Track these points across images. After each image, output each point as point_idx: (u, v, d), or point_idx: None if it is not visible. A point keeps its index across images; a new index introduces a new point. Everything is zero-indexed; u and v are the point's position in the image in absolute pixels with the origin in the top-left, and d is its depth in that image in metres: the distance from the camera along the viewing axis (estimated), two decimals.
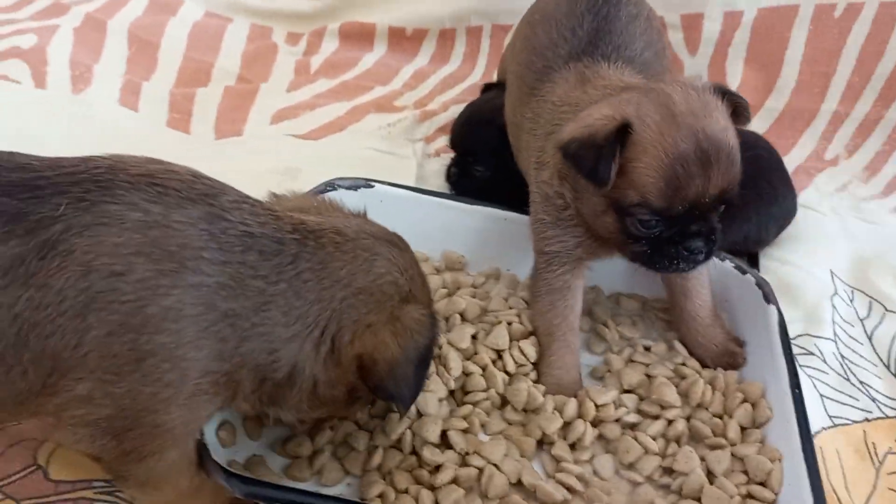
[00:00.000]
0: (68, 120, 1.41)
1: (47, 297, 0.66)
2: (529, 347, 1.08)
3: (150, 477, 0.78)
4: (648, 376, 1.07)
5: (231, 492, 0.82)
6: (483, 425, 1.01)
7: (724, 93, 0.97)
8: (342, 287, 0.78)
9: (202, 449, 0.84)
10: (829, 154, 1.60)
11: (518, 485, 0.95)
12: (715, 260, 1.13)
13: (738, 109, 0.97)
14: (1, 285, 0.65)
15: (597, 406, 1.02)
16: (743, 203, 1.22)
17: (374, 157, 1.47)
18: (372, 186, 1.20)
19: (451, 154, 1.44)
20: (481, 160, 1.37)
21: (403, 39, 1.74)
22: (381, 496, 0.91)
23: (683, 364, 1.10)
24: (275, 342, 0.75)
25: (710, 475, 0.97)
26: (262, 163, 1.34)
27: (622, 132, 0.93)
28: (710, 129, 0.93)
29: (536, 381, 1.06)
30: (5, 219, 0.66)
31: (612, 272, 1.21)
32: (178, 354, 0.70)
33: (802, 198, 1.41)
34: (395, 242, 0.86)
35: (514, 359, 1.07)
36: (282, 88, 1.62)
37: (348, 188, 1.19)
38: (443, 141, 1.54)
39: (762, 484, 0.96)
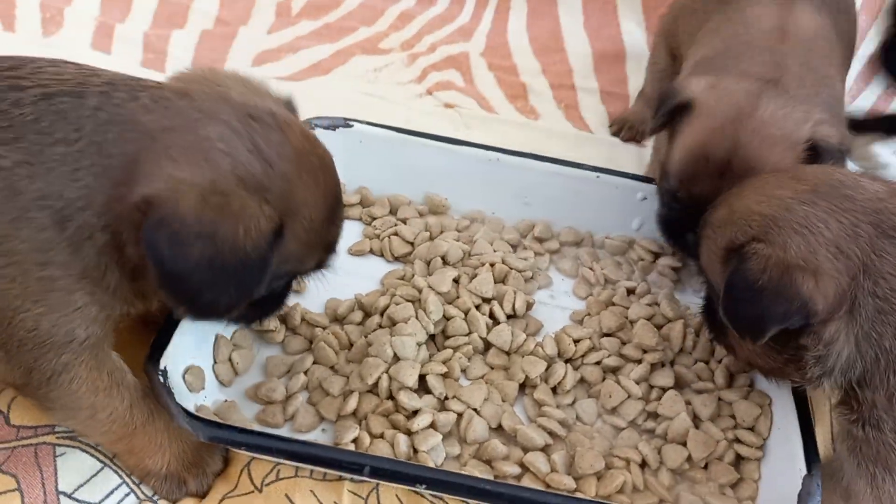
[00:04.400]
0: None
1: None
2: (520, 298, 1.05)
3: (73, 402, 0.75)
4: (630, 321, 1.04)
5: (195, 435, 0.79)
6: (464, 370, 0.98)
7: (815, 147, 0.94)
8: (149, 140, 0.66)
9: (164, 391, 0.81)
10: None
11: (498, 429, 0.93)
12: None
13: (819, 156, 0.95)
14: None
15: (574, 341, 0.99)
16: None
17: (363, 100, 1.42)
18: (351, 126, 1.15)
19: (442, 92, 1.41)
20: None
21: None
22: (355, 441, 0.88)
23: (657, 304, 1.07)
24: (99, 203, 0.66)
25: (696, 420, 0.94)
26: None
27: (684, 106, 1.00)
28: (751, 153, 0.94)
29: None
30: None
31: (599, 215, 1.17)
32: (5, 248, 0.65)
33: None
34: (265, 120, 0.70)
35: (503, 310, 1.03)
36: (262, 31, 1.55)
37: (326, 128, 1.14)
38: (434, 78, 1.48)
39: (750, 429, 0.93)
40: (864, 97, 1.53)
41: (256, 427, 0.89)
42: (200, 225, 0.64)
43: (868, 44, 1.53)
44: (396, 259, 1.13)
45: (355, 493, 0.85)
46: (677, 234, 1.06)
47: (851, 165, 1.37)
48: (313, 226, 0.73)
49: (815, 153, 0.94)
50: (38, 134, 0.65)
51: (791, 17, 1.07)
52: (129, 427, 0.79)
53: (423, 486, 0.78)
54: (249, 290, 0.69)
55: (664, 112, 1.03)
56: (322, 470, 0.84)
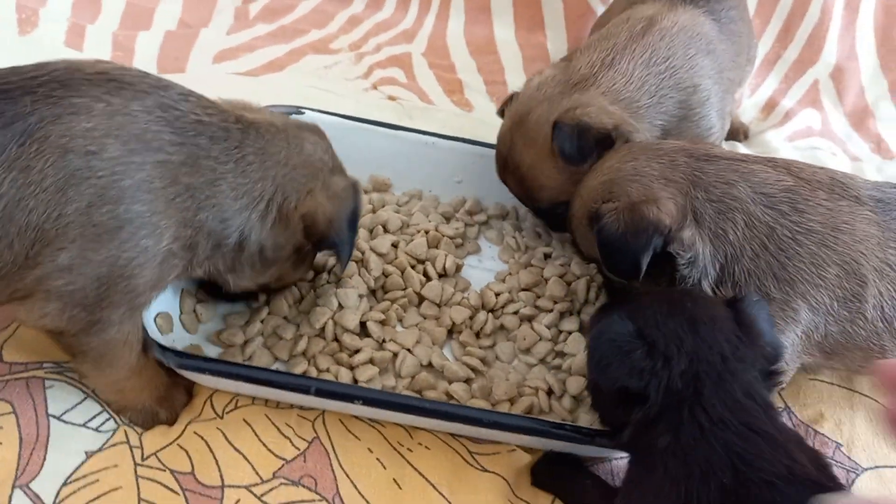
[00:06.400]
0: (16, 59, 1.47)
1: (29, 176, 0.76)
2: (450, 260, 1.21)
3: (106, 351, 0.88)
4: (544, 278, 1.21)
5: (166, 363, 0.93)
6: (400, 319, 1.13)
7: (555, 132, 1.09)
8: (282, 166, 0.93)
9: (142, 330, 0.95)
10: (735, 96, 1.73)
11: (429, 367, 1.08)
12: None
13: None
14: None
15: (495, 294, 1.15)
16: None
17: (314, 93, 1.56)
18: (302, 113, 1.30)
19: (386, 87, 1.57)
20: None
21: None
22: (304, 374, 1.03)
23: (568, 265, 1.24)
24: (226, 212, 0.89)
25: None
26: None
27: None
28: (515, 154, 1.16)
29: None
30: None
31: None
32: (153, 222, 0.81)
33: None
34: (315, 130, 1.02)
35: (435, 269, 1.19)
36: (222, 32, 1.70)
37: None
38: (379, 74, 1.65)
39: None
40: (761, 91, 1.73)
41: None
42: (340, 212, 0.97)
43: (762, 45, 1.73)
44: None
45: (304, 417, 1.00)
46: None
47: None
48: None
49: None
50: (195, 147, 0.85)
51: (668, 13, 1.22)
52: (130, 372, 0.92)
53: (360, 403, 0.93)
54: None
55: (500, 107, 1.25)
56: (275, 395, 0.98)
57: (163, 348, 0.93)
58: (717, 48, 1.25)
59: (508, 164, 1.18)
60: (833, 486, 0.73)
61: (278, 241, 0.95)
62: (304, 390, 0.93)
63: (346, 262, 1.02)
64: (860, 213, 0.94)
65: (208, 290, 1.08)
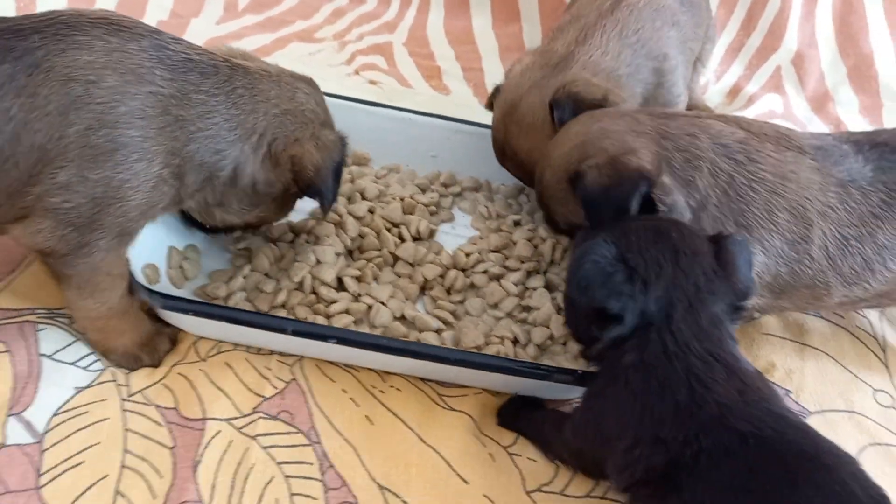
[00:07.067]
0: None
1: (36, 101, 0.84)
2: (424, 224, 1.27)
3: (90, 277, 0.94)
4: (513, 241, 1.27)
5: (152, 305, 1.00)
6: (375, 277, 1.20)
7: (552, 106, 1.15)
8: (273, 105, 0.99)
9: (129, 275, 1.01)
10: (700, 80, 1.82)
11: (402, 319, 1.14)
12: None
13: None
14: None
15: (466, 255, 1.22)
16: None
17: None
18: None
19: (368, 72, 1.64)
20: None
21: None
22: None
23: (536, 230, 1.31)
24: (220, 143, 0.96)
25: (559, 311, 1.17)
26: None
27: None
28: (513, 143, 1.22)
29: None
30: None
31: (496, 167, 1.40)
32: (144, 147, 0.89)
33: None
34: (310, 82, 1.08)
35: (409, 232, 1.26)
36: (211, 22, 1.78)
37: None
38: (361, 61, 1.73)
39: None
40: (726, 78, 1.81)
41: None
42: (326, 162, 1.03)
43: (727, 34, 1.82)
44: None
45: (283, 362, 1.06)
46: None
47: None
48: None
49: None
50: (185, 82, 0.92)
51: None
52: (112, 311, 0.98)
53: (334, 341, 0.99)
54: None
55: (488, 100, 1.31)
56: (255, 338, 1.04)
57: (149, 290, 1.00)
58: (680, 19, 1.33)
59: (507, 152, 1.25)
60: (781, 404, 0.80)
61: (269, 177, 1.02)
62: (282, 330, 0.99)
63: (328, 209, 1.08)
64: (804, 162, 1.01)
65: (191, 222, 1.15)
